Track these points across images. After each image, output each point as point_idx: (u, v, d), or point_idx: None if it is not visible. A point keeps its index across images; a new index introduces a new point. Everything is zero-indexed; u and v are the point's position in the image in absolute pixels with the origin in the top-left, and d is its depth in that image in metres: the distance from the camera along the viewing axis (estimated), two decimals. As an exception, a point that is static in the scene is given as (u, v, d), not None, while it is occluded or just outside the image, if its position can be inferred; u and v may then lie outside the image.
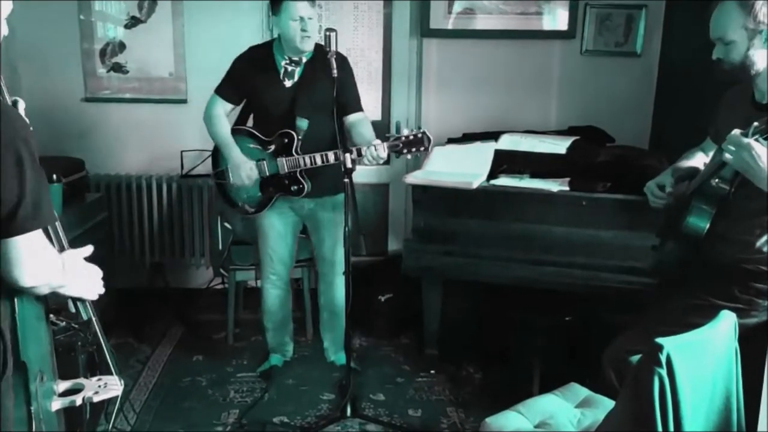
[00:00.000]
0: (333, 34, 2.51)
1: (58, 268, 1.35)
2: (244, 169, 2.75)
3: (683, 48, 3.54)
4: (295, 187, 2.76)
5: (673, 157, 2.30)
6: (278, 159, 2.72)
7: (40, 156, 1.29)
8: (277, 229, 2.93)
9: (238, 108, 2.92)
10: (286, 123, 2.72)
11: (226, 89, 2.83)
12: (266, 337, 3.16)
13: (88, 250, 1.51)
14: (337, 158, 2.56)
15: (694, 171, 2.10)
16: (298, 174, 2.72)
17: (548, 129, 3.64)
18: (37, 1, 3.66)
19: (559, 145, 3.04)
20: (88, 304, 1.54)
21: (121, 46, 3.86)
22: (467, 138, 3.42)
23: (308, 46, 2.66)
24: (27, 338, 1.34)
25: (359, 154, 2.53)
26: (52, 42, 3.74)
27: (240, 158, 2.77)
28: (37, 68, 3.73)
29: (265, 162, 2.77)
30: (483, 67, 3.91)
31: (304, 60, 2.74)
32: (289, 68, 2.73)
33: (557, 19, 3.85)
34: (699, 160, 2.16)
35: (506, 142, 3.12)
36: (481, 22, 3.84)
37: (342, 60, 2.77)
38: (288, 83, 2.74)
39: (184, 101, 3.91)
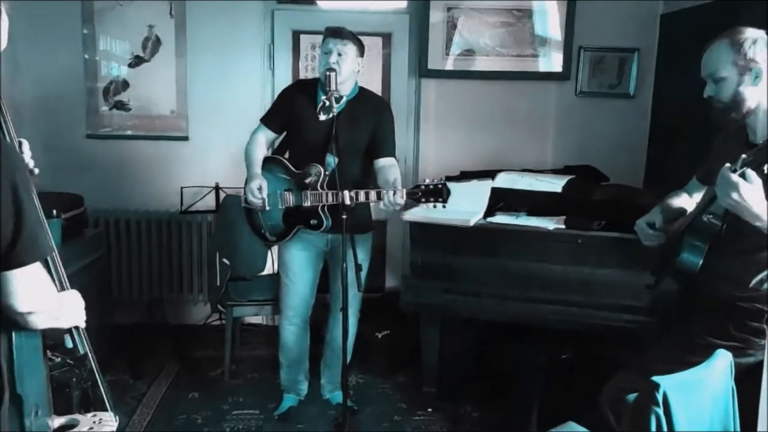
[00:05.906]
0: (332, 74, 2.57)
1: (54, 300, 1.37)
2: (255, 184, 2.75)
3: (675, 90, 3.60)
4: (314, 222, 2.75)
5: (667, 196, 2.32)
6: (303, 192, 2.73)
7: (39, 191, 1.31)
8: (298, 262, 2.92)
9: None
10: (317, 158, 2.73)
11: (268, 117, 2.90)
12: (280, 373, 3.11)
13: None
14: (352, 199, 2.55)
15: (682, 211, 2.12)
16: (319, 209, 2.72)
17: (544, 168, 3.69)
18: (43, 40, 3.74)
19: (555, 184, 3.08)
20: (84, 338, 1.54)
21: (125, 85, 3.92)
22: (464, 176, 3.45)
23: (330, 81, 2.60)
24: (24, 372, 1.34)
25: (378, 197, 2.54)
26: (57, 80, 3.81)
27: (254, 175, 2.78)
28: (41, 105, 3.79)
29: (291, 193, 2.77)
30: (480, 107, 3.98)
31: (345, 99, 2.73)
32: (327, 103, 2.68)
33: (552, 61, 3.94)
34: (683, 200, 2.17)
35: (503, 180, 3.15)
36: (479, 64, 3.93)
37: (383, 105, 2.85)
38: (322, 117, 2.68)
39: (185, 138, 3.96)
